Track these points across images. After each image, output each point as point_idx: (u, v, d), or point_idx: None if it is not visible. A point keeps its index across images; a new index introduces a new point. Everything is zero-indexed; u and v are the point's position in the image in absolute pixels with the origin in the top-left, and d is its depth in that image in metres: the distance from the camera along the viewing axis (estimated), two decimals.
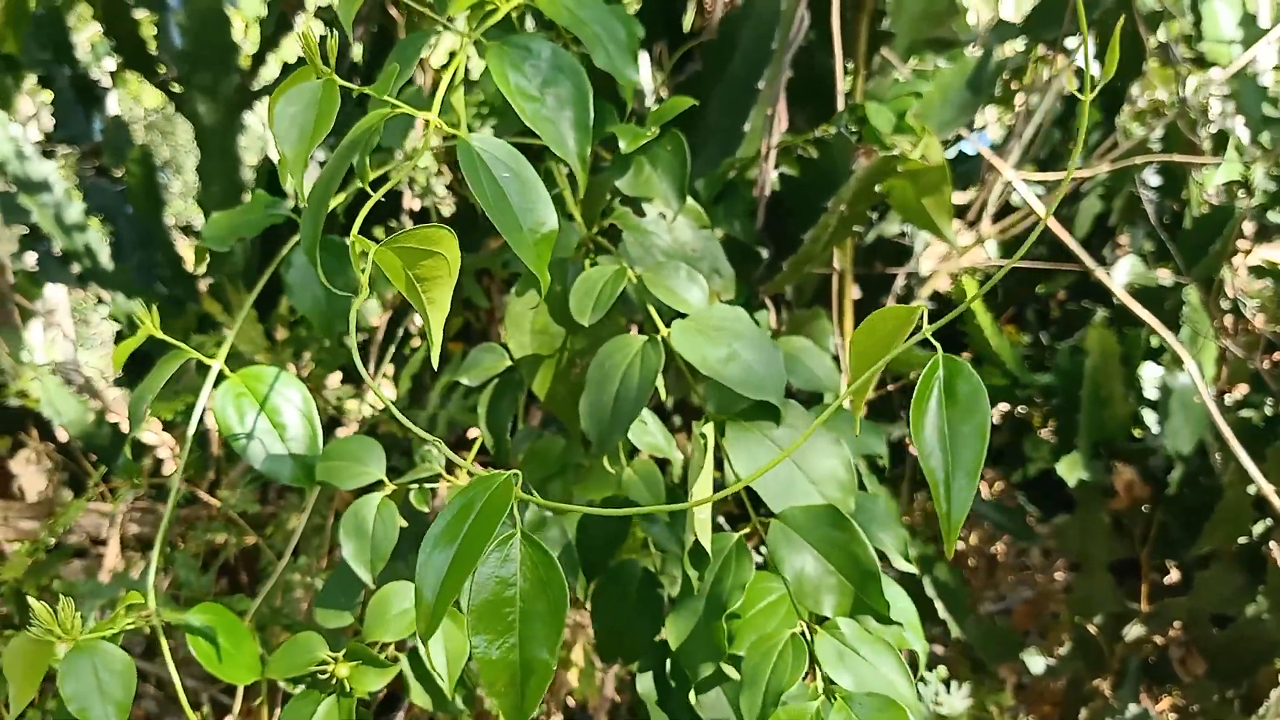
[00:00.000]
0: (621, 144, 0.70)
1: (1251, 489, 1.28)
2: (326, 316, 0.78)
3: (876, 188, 0.81)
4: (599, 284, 0.68)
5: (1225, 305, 1.50)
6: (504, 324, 0.75)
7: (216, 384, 0.73)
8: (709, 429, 0.65)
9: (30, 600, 0.60)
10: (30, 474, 1.92)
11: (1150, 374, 1.30)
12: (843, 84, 0.97)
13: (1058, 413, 1.37)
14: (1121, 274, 1.47)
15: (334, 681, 0.70)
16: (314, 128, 0.53)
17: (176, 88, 1.83)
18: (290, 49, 1.91)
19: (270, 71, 1.88)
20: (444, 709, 0.75)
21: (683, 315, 0.69)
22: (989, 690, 1.45)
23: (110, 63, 2.73)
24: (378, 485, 0.74)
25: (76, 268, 1.81)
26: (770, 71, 0.97)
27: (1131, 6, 1.31)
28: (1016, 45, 1.38)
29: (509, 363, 0.76)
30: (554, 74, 0.62)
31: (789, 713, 0.57)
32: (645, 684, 0.76)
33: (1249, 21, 1.57)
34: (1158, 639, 1.52)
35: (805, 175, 0.88)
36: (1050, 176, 1.13)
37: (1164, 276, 1.45)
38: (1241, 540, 1.34)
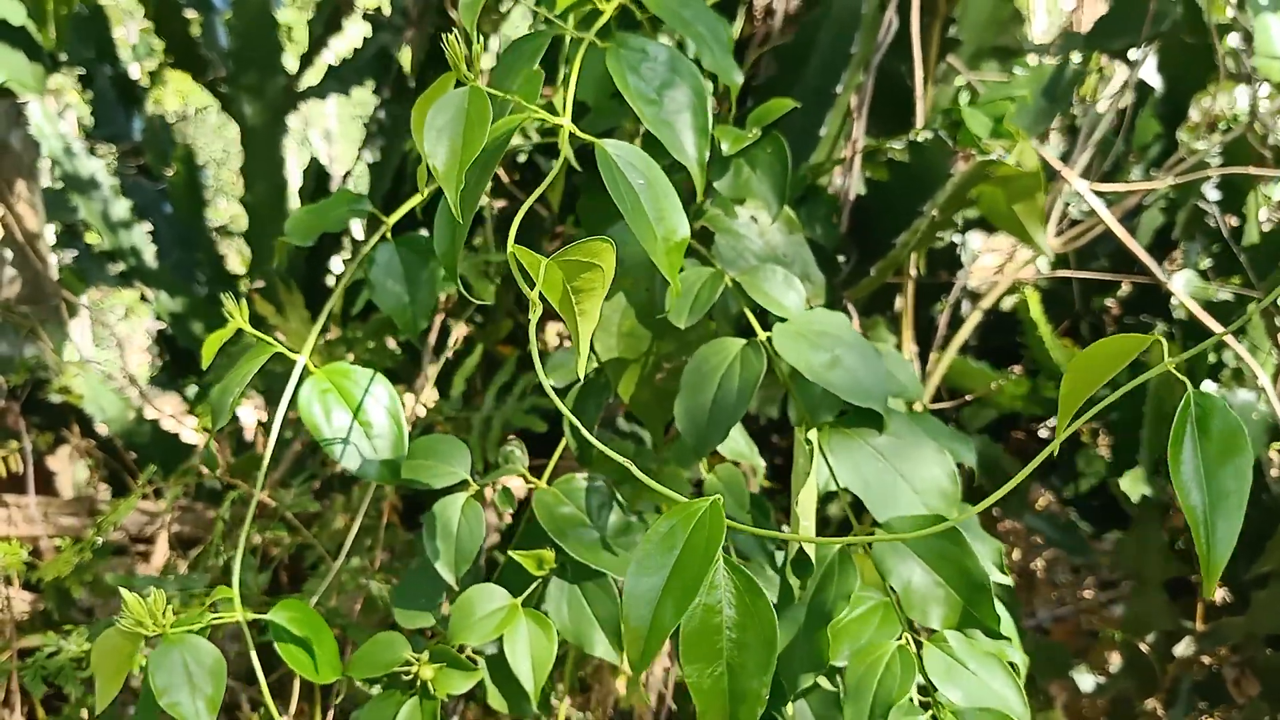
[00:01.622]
0: (724, 146, 0.69)
1: None
2: (410, 315, 0.77)
3: (968, 193, 0.79)
4: (696, 286, 0.67)
5: None
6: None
7: (300, 381, 0.72)
8: (814, 435, 0.64)
9: (123, 591, 0.59)
10: (66, 470, 1.92)
11: (1212, 390, 1.28)
12: (921, 88, 0.96)
13: (1116, 428, 1.35)
14: (1179, 288, 1.46)
15: (417, 683, 0.69)
16: (465, 139, 0.52)
17: (223, 88, 1.83)
18: (336, 51, 1.91)
19: (315, 75, 1.88)
20: (521, 713, 0.74)
21: (780, 320, 0.68)
22: (1039, 707, 1.43)
23: (149, 63, 2.74)
24: (461, 485, 0.73)
25: (121, 266, 1.81)
26: (848, 76, 0.96)
27: (1200, 18, 1.30)
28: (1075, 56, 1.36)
29: (595, 365, 0.75)
30: (670, 76, 0.61)
31: None
32: None
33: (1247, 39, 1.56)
34: (1209, 659, 1.50)
35: (895, 179, 0.87)
36: (1123, 187, 1.12)
37: (1222, 291, 1.43)
38: None
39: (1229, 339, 1.06)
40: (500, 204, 1.43)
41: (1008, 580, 0.70)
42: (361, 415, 0.71)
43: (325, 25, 1.84)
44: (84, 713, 1.32)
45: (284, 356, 0.72)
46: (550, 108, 0.64)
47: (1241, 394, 1.36)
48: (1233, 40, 1.34)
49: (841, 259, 0.90)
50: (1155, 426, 1.29)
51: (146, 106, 2.16)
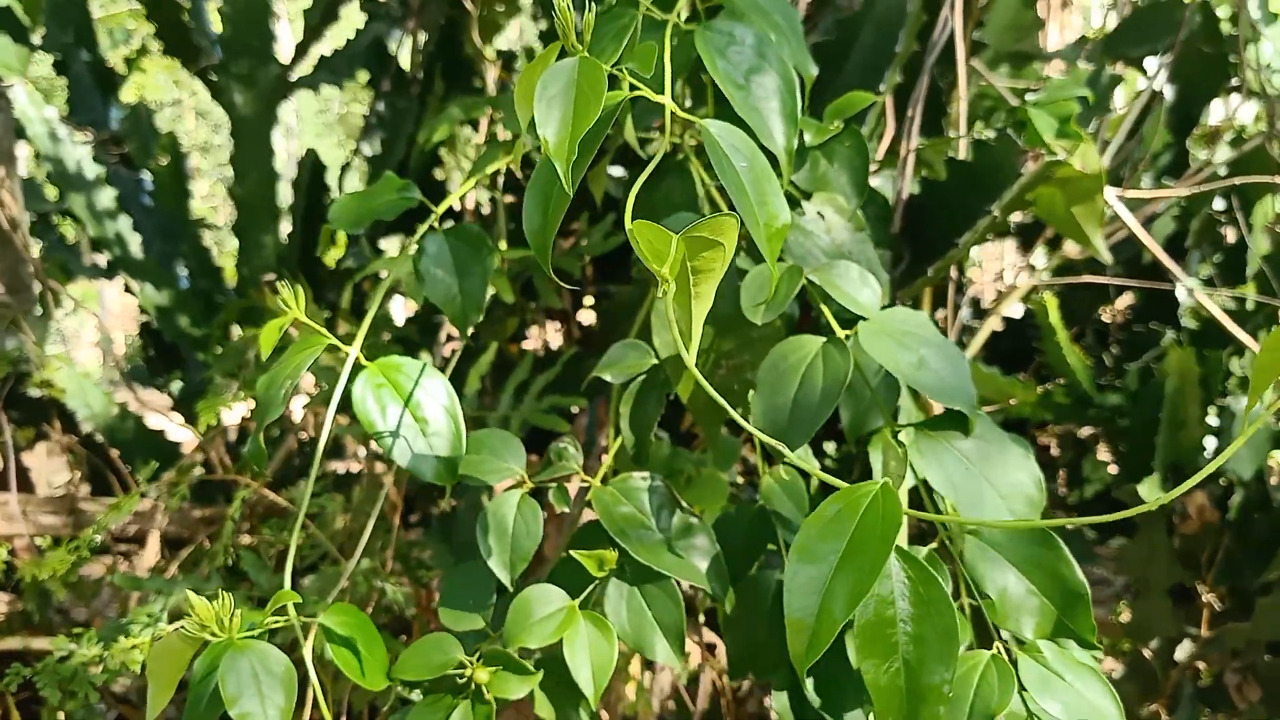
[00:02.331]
0: (806, 137, 0.68)
1: None
2: (460, 307, 0.74)
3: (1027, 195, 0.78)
4: (773, 282, 0.65)
5: None
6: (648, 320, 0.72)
7: (353, 375, 0.69)
8: (904, 437, 0.62)
9: (190, 595, 0.55)
10: (43, 467, 1.86)
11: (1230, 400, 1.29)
12: (965, 86, 0.95)
13: (1128, 434, 1.36)
14: (1185, 296, 1.46)
15: (470, 686, 0.66)
16: (577, 110, 0.49)
17: (214, 76, 1.79)
18: (331, 42, 1.87)
19: (309, 65, 1.84)
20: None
21: (858, 318, 0.66)
22: None
23: (126, 50, 2.67)
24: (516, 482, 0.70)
25: (106, 256, 1.76)
26: (890, 75, 0.95)
27: (1216, 28, 1.30)
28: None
29: (654, 361, 0.73)
30: (758, 62, 0.59)
31: None
32: (781, 702, 0.73)
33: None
34: (1212, 665, 1.50)
35: (955, 179, 0.86)
36: (1149, 194, 1.11)
37: (1226, 300, 1.44)
38: None
39: (1252, 344, 1.06)
40: (509, 199, 1.40)
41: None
42: (417, 411, 0.68)
43: (322, 14, 1.80)
44: (60, 716, 1.27)
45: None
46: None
47: (1241, 403, 1.37)
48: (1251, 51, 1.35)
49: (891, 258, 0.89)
50: (1170, 433, 1.29)
51: (124, 94, 2.11)
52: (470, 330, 0.75)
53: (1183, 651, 1.47)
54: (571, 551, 0.68)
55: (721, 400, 0.46)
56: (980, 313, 1.52)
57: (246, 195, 1.82)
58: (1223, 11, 1.30)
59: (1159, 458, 1.28)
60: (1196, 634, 1.43)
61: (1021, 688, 0.56)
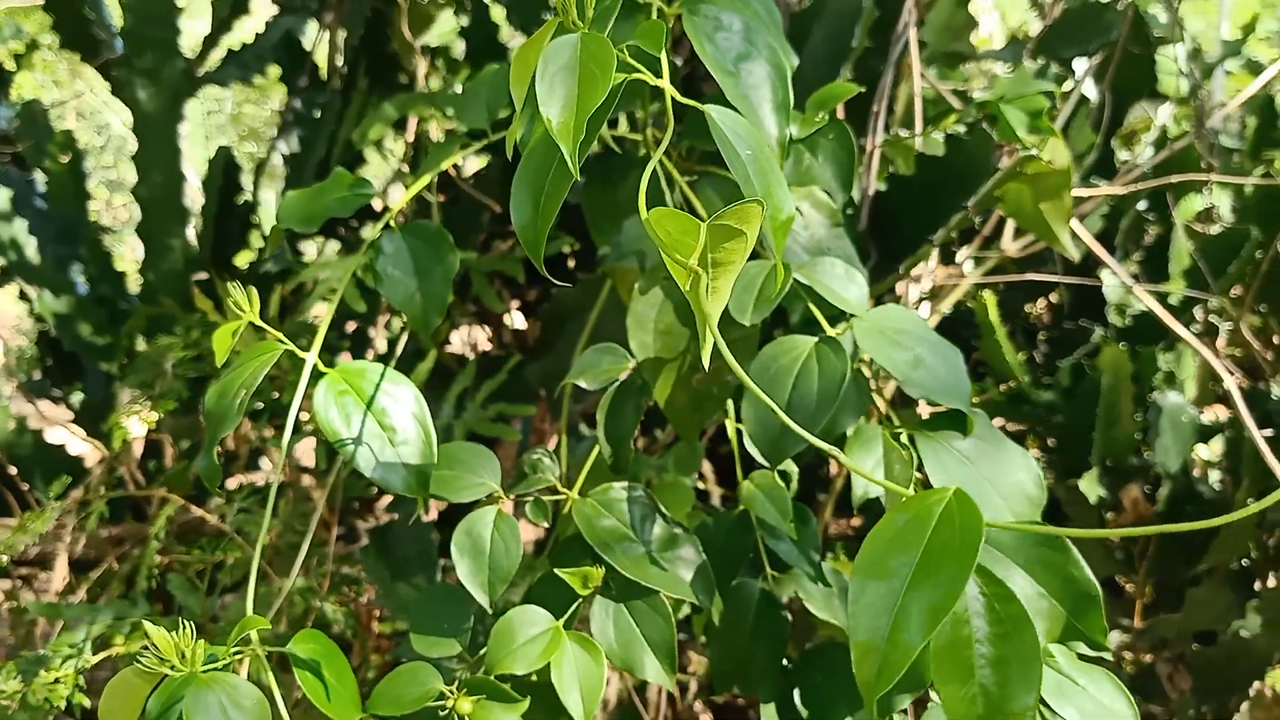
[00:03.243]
0: (792, 130, 0.65)
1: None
2: (421, 309, 0.70)
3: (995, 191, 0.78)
4: (758, 280, 0.63)
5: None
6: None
7: (313, 381, 0.65)
8: (906, 438, 0.60)
9: (148, 627, 0.50)
10: None
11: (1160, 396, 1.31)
12: (920, 88, 0.94)
13: (1062, 430, 1.37)
14: (1112, 292, 1.49)
15: (454, 718, 0.62)
16: (581, 89, 0.45)
17: (116, 71, 1.69)
18: (239, 35, 1.79)
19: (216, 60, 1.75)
20: None
21: (842, 314, 0.64)
22: None
23: (15, 46, 2.52)
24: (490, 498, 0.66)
25: (0, 261, 1.65)
26: (844, 69, 0.94)
27: (1145, 30, 1.33)
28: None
29: (631, 365, 0.70)
30: (747, 48, 0.56)
31: None
32: (770, 714, 0.71)
33: (1195, 55, 1.62)
34: (1134, 655, 1.54)
35: (927, 174, 0.84)
36: (1086, 192, 1.12)
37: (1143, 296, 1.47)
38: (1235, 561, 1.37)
39: (1191, 339, 1.08)
40: (442, 198, 1.35)
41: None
42: (384, 419, 0.64)
43: (231, 6, 1.72)
44: None
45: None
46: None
47: (1171, 396, 1.40)
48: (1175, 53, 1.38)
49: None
50: (1105, 429, 1.31)
51: (12, 92, 1.98)
52: (434, 330, 0.70)
53: (1119, 643, 1.50)
54: (556, 569, 0.64)
55: (762, 396, 0.43)
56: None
57: (151, 196, 1.72)
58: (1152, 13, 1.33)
59: (1095, 453, 1.30)
60: (1130, 625, 1.45)
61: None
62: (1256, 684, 1.38)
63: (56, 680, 0.83)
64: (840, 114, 1.02)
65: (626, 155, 0.80)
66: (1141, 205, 1.50)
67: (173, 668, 0.52)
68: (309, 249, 1.73)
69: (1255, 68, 1.77)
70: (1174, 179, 1.11)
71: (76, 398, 1.72)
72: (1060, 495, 1.40)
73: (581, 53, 0.46)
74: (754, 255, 0.69)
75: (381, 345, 1.56)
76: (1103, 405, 1.28)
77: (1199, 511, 1.36)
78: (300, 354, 0.65)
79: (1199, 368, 1.51)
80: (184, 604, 1.00)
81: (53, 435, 1.67)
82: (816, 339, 0.62)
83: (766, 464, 0.63)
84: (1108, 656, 0.57)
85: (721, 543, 0.72)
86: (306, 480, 1.40)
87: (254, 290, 0.64)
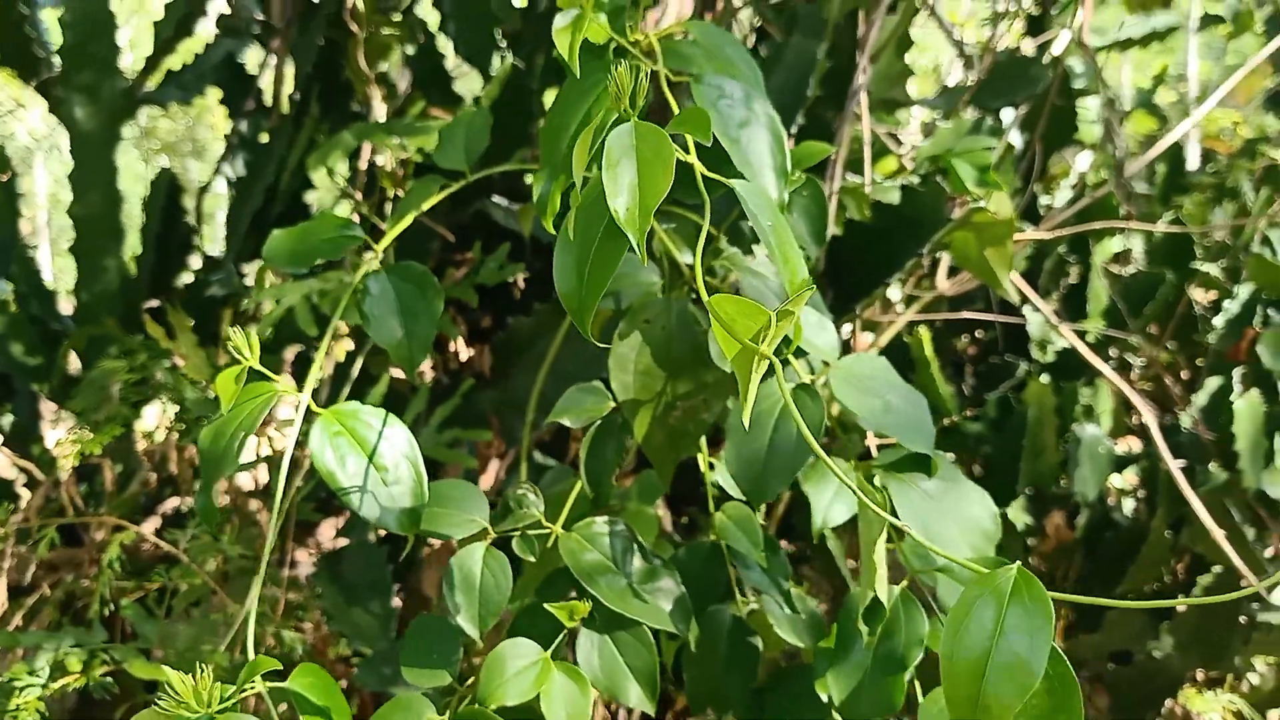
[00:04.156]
0: None
1: (1169, 534, 1.40)
2: (408, 350, 0.72)
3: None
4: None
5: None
6: (610, 362, 0.72)
7: (307, 421, 0.66)
8: (877, 479, 0.64)
9: (167, 670, 0.52)
10: None
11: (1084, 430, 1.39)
12: (869, 134, 0.99)
13: (990, 461, 1.44)
14: (1033, 330, 1.57)
15: None
16: (643, 179, 0.48)
17: (55, 89, 1.67)
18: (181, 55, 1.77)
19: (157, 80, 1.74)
20: None
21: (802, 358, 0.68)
22: None
23: None
24: (480, 534, 0.69)
25: None
26: (797, 117, 0.99)
27: (1069, 83, 1.41)
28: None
29: (612, 404, 0.73)
30: (747, 115, 0.60)
31: None
32: None
33: (1110, 105, 1.73)
34: None
35: (883, 221, 0.89)
36: (1023, 237, 1.19)
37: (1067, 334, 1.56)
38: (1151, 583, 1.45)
39: (1113, 376, 1.15)
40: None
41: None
42: (377, 460, 0.66)
43: (175, 28, 1.71)
44: None
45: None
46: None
47: (1090, 428, 1.49)
48: (1094, 103, 1.47)
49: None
50: (1030, 459, 1.38)
51: None
52: (417, 369, 0.73)
53: None
54: (545, 603, 0.67)
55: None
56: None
57: (87, 215, 1.70)
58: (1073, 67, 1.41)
59: (1022, 483, 1.37)
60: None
61: None
62: (1169, 701, 1.46)
63: (19, 707, 0.82)
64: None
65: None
66: (1062, 248, 1.59)
67: (188, 711, 0.54)
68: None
69: (1157, 113, 1.87)
70: (1095, 225, 1.18)
71: (6, 419, 1.68)
72: None
73: (638, 143, 0.49)
74: None
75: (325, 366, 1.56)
76: (1029, 437, 1.35)
77: (1115, 538, 1.44)
78: (295, 394, 0.66)
79: (1115, 401, 1.60)
80: (139, 630, 1.00)
81: None
82: (795, 385, 0.66)
83: (745, 500, 0.66)
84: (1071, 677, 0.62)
85: (697, 572, 0.75)
86: (253, 504, 1.40)
87: (176, 329, 0.65)
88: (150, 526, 1.49)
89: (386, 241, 0.76)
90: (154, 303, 1.50)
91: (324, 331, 0.72)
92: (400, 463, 0.67)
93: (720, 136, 0.60)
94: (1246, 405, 1.20)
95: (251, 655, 0.64)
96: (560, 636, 0.68)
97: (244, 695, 0.59)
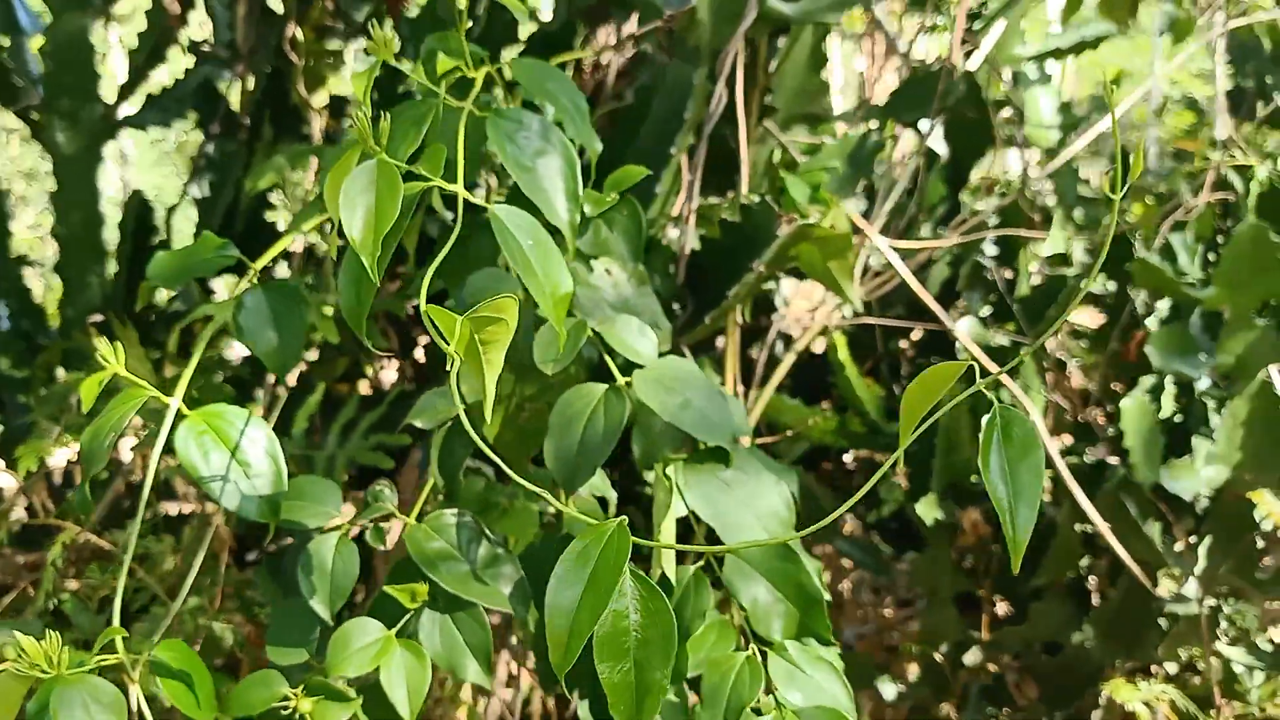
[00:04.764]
0: (586, 209, 0.76)
1: (1078, 528, 1.45)
2: (281, 357, 0.80)
3: (789, 251, 0.90)
4: (556, 339, 0.74)
5: (1046, 364, 1.67)
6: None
7: (175, 423, 0.74)
8: (672, 471, 0.71)
9: (18, 635, 0.60)
10: None
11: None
12: (746, 153, 1.06)
13: (911, 458, 1.50)
14: (963, 333, 1.63)
15: (296, 717, 0.72)
16: (378, 211, 0.56)
17: (35, 115, 1.77)
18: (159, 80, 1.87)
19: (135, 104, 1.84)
20: None
21: (635, 365, 0.75)
22: None
23: None
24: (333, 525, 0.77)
25: None
26: (680, 138, 1.06)
27: (980, 95, 1.47)
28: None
29: (462, 407, 0.80)
30: (543, 145, 0.68)
31: None
32: (584, 711, 0.81)
33: (1065, 109, 1.78)
34: (995, 666, 1.66)
35: (726, 238, 0.96)
36: (916, 244, 1.26)
37: (999, 337, 1.61)
38: (1070, 575, 1.51)
39: (1004, 378, 1.21)
40: (341, 242, 1.45)
41: (826, 596, 0.80)
42: (239, 455, 0.74)
43: (148, 55, 1.81)
44: None
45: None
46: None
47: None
48: (1006, 114, 1.53)
49: (677, 307, 0.99)
50: (945, 457, 1.44)
51: None
52: (288, 376, 0.80)
53: (973, 656, 1.62)
54: (386, 587, 0.75)
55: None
56: (789, 347, 1.66)
57: (70, 235, 1.80)
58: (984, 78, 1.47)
59: (936, 479, 1.43)
60: (979, 638, 1.58)
61: (769, 683, 0.66)
62: (1106, 693, 1.50)
63: None
64: (684, 174, 1.14)
65: (469, 220, 0.91)
66: (993, 252, 1.64)
67: (43, 671, 0.62)
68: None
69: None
70: (991, 233, 1.24)
71: None
72: (911, 518, 1.52)
73: (377, 178, 0.57)
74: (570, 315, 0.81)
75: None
76: (941, 435, 1.41)
77: (1035, 532, 1.49)
78: (164, 400, 0.74)
79: (1045, 402, 1.65)
80: (77, 623, 1.09)
81: None
82: (607, 386, 0.73)
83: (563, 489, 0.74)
84: (834, 650, 0.69)
85: (551, 560, 0.82)
86: (210, 507, 1.48)
87: (121, 342, 0.74)
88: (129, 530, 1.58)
89: (262, 262, 0.84)
90: (98, 318, 1.59)
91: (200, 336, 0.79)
92: (262, 458, 0.75)
93: (512, 165, 0.67)
94: (1134, 403, 1.25)
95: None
96: (406, 618, 0.76)
97: (105, 663, 0.67)
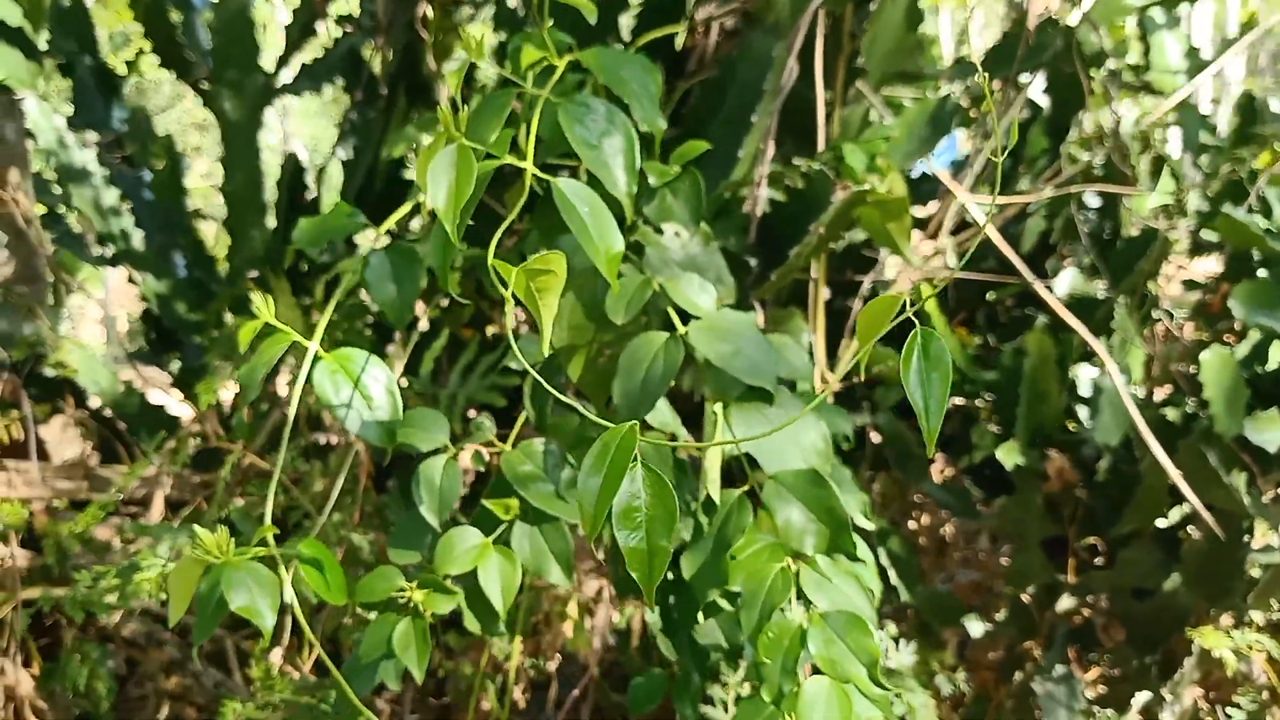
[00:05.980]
0: (650, 179, 0.87)
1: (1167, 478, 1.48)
2: (399, 308, 0.94)
3: (851, 214, 0.98)
4: (630, 289, 0.85)
5: (1156, 315, 1.69)
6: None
7: (314, 364, 0.89)
8: (719, 408, 0.82)
9: (197, 529, 0.76)
10: (58, 438, 2.06)
11: (1085, 374, 1.49)
12: (823, 120, 1.15)
13: (1000, 406, 1.56)
14: (1062, 285, 1.66)
15: (410, 605, 0.87)
16: (457, 186, 0.69)
17: (205, 85, 1.98)
18: (311, 51, 2.06)
19: (290, 73, 2.03)
20: (491, 632, 0.92)
21: (696, 317, 0.86)
22: (933, 649, 1.64)
23: (126, 53, 2.85)
24: (442, 450, 0.91)
25: (110, 249, 1.95)
26: (762, 108, 1.15)
27: (1079, 49, 1.50)
28: (975, 79, 1.56)
29: (550, 350, 0.93)
30: (608, 126, 0.79)
31: (778, 625, 0.74)
32: (654, 617, 0.94)
33: (1193, 54, 1.77)
34: (1084, 610, 1.72)
35: (791, 202, 1.05)
36: (1002, 200, 1.31)
37: (1099, 289, 1.64)
38: (1160, 523, 1.54)
39: (1081, 328, 1.26)
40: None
41: (870, 525, 0.89)
42: (362, 389, 0.88)
43: (301, 27, 1.99)
44: (76, 659, 1.48)
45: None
46: (517, 143, 0.82)
47: (1112, 379, 1.58)
48: (1111, 66, 1.55)
49: (752, 263, 1.09)
50: (1030, 405, 1.49)
51: (125, 96, 2.29)
52: (418, 323, 0.94)
53: (1062, 601, 1.68)
54: (484, 500, 0.88)
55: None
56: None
57: (235, 192, 2.01)
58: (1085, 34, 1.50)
59: (1020, 426, 1.49)
60: (1066, 581, 1.64)
61: (799, 589, 0.77)
62: (1197, 641, 1.54)
63: (144, 580, 1.10)
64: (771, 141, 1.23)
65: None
66: (1097, 204, 1.67)
67: (215, 558, 0.78)
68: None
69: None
70: (1077, 188, 1.28)
71: (175, 365, 2.02)
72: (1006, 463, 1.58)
73: (457, 159, 0.70)
74: (641, 270, 0.92)
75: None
76: (1027, 383, 1.47)
77: (1119, 481, 1.53)
78: (305, 343, 0.89)
79: (1146, 354, 1.68)
80: (242, 531, 1.28)
81: (154, 397, 1.97)
82: (668, 335, 0.84)
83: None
84: (862, 561, 0.79)
85: None
86: (353, 437, 1.67)
87: (274, 293, 0.89)
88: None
89: (387, 225, 0.98)
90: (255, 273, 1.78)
91: (330, 295, 0.94)
92: (381, 393, 0.89)
93: (579, 144, 0.78)
94: (1214, 355, 1.29)
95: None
96: (501, 528, 0.90)
97: (261, 554, 0.83)
